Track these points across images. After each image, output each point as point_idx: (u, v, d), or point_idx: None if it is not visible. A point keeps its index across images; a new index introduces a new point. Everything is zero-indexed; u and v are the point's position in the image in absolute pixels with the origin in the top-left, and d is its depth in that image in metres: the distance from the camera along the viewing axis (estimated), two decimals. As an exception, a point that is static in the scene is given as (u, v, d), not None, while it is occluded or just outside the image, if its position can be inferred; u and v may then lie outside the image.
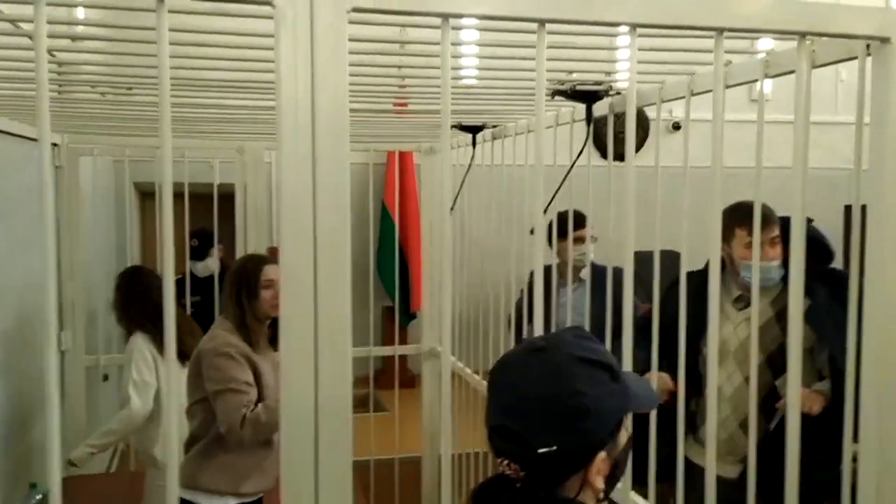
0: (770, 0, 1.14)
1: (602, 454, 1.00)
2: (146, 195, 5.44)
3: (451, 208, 3.66)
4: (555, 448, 0.96)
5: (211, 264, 4.30)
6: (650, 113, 4.75)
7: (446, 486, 1.38)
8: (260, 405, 2.40)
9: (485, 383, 3.27)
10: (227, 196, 4.13)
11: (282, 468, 1.10)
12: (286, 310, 1.07)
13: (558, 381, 0.98)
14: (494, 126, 3.01)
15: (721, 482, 1.67)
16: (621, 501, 1.89)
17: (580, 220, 2.95)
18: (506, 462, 0.99)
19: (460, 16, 1.06)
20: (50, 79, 2.31)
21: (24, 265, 2.99)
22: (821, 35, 1.24)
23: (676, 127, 5.66)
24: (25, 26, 1.72)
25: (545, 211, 2.46)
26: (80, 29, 2.31)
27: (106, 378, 4.05)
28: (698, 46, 1.64)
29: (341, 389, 1.08)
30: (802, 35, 1.22)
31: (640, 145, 5.60)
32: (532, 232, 2.43)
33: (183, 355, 2.62)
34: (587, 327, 2.24)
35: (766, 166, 1.70)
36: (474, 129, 3.06)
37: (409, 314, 5.59)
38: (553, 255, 2.96)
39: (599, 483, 1.01)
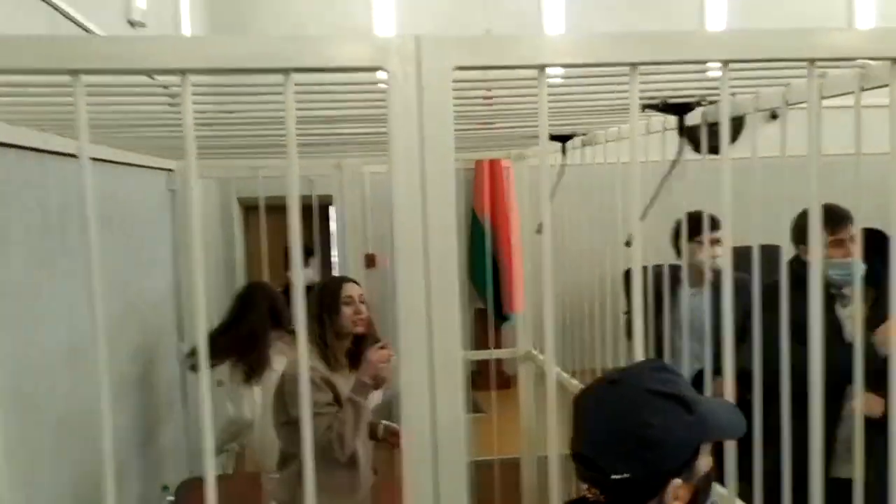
0: (860, 31, 1.16)
1: (677, 481, 1.04)
2: (249, 209, 5.73)
3: (539, 230, 3.70)
4: (627, 476, 1.02)
5: (311, 274, 4.49)
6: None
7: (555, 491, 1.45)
8: (335, 423, 2.51)
9: (578, 385, 3.34)
10: (320, 207, 4.32)
11: (405, 470, 1.21)
12: (403, 315, 1.17)
13: (629, 413, 1.04)
14: (584, 134, 3.04)
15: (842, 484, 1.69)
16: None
17: (716, 223, 2.88)
18: (587, 487, 1.06)
19: (556, 65, 1.13)
20: (174, 123, 2.50)
21: (149, 286, 3.25)
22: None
23: (774, 116, 5.50)
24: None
25: (642, 218, 2.46)
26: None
27: (220, 384, 4.32)
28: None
29: (454, 394, 1.18)
30: (893, 60, 1.22)
31: (735, 136, 5.49)
32: (628, 244, 2.47)
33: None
34: (706, 332, 2.25)
35: (868, 153, 1.68)
36: (563, 138, 3.10)
37: (501, 316, 5.67)
38: (683, 256, 2.92)
39: None
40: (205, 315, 1.23)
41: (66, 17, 2.44)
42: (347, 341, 2.69)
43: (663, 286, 2.60)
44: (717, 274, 2.46)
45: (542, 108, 1.19)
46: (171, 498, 3.03)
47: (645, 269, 2.37)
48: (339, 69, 1.11)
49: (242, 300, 3.29)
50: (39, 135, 2.15)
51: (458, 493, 1.20)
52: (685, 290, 2.66)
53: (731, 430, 1.13)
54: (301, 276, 1.28)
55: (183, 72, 1.07)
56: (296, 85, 1.59)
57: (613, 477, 1.03)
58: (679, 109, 2.11)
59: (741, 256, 1.89)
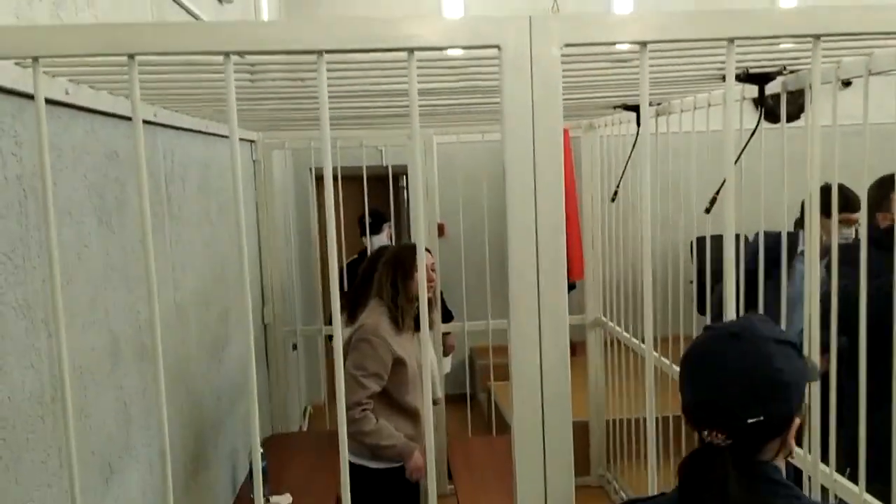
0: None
1: (797, 420, 1.17)
2: (321, 178, 5.89)
3: (613, 198, 3.76)
4: (762, 418, 1.12)
5: (385, 239, 4.64)
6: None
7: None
8: (374, 423, 2.79)
9: (663, 361, 3.41)
10: (382, 178, 4.46)
11: (514, 425, 1.33)
12: (514, 276, 1.28)
13: (761, 361, 1.13)
14: (658, 104, 3.08)
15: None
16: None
17: (853, 203, 2.82)
18: (712, 432, 1.14)
19: (658, 41, 1.21)
20: (253, 97, 2.64)
21: (237, 250, 3.42)
22: None
23: (846, 84, 5.39)
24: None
25: (716, 197, 2.50)
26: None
27: (295, 348, 4.52)
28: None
29: (561, 348, 1.29)
30: None
31: (802, 108, 5.39)
32: (707, 210, 2.52)
33: None
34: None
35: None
36: (638, 108, 3.14)
37: (567, 285, 5.72)
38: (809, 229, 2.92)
39: (793, 443, 1.18)
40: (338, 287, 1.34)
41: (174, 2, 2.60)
42: (415, 306, 2.87)
43: (776, 254, 2.59)
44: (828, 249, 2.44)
45: (644, 82, 1.26)
46: (261, 449, 3.22)
47: (737, 237, 2.40)
48: (460, 47, 1.20)
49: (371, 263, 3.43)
50: (149, 107, 2.31)
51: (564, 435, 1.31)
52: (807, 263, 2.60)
53: (814, 374, 1.25)
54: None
55: (320, 52, 1.18)
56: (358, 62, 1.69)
57: (749, 421, 1.12)
58: (760, 79, 2.14)
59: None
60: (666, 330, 3.52)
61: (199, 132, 2.96)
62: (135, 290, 2.09)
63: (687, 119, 2.92)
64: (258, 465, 1.57)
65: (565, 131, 5.09)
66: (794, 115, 2.45)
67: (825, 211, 2.68)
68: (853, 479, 2.06)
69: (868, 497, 1.95)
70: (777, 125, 2.33)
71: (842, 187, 2.32)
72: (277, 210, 4.34)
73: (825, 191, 2.44)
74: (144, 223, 1.30)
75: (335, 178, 4.22)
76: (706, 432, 1.16)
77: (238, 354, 3.40)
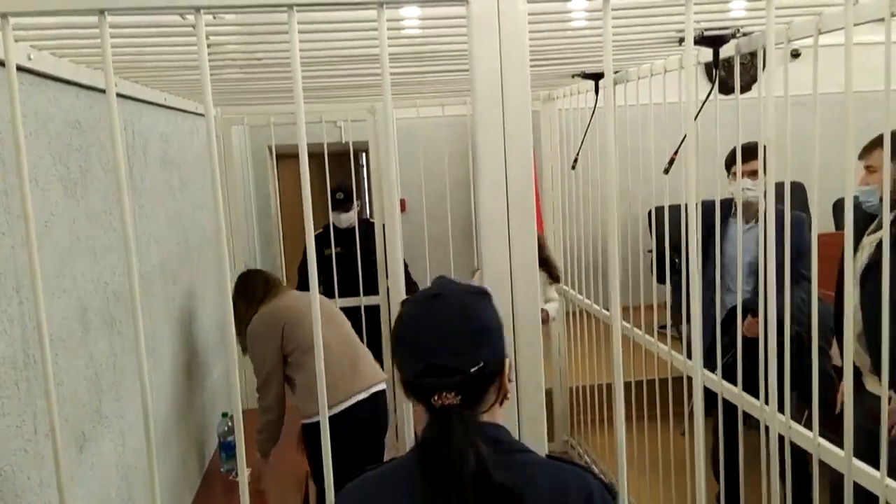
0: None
1: (508, 360, 1.24)
2: (279, 157, 5.86)
3: (574, 165, 3.83)
4: (482, 364, 1.16)
5: (353, 216, 4.64)
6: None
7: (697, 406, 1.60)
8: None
9: (624, 325, 3.50)
10: (342, 155, 4.46)
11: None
12: (485, 244, 1.31)
13: (466, 313, 1.18)
14: (616, 72, 3.14)
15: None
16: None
17: (749, 152, 2.85)
18: (442, 395, 1.16)
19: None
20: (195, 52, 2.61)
21: (200, 227, 3.40)
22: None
23: (795, 55, 5.54)
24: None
25: (674, 157, 2.58)
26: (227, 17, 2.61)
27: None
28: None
29: (532, 308, 1.33)
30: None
31: (755, 77, 5.54)
32: (666, 171, 2.60)
33: None
34: (754, 268, 2.38)
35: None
36: (596, 77, 3.20)
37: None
38: (727, 189, 3.02)
39: (507, 386, 1.24)
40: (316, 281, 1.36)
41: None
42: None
43: (714, 221, 2.65)
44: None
45: (607, 40, 1.31)
46: (230, 423, 3.24)
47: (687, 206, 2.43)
48: (429, 3, 1.23)
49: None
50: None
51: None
52: (739, 225, 2.67)
53: None
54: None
55: (290, 6, 1.19)
56: (323, 23, 1.71)
57: (473, 370, 1.15)
58: (715, 42, 2.21)
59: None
60: (626, 299, 3.61)
61: (160, 105, 2.93)
62: (101, 261, 2.08)
63: (644, 91, 2.97)
64: (240, 428, 1.60)
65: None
66: (745, 88, 2.53)
67: (727, 167, 2.79)
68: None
69: (822, 441, 2.05)
70: (730, 96, 2.41)
71: (749, 145, 2.41)
72: (238, 186, 4.31)
73: (738, 149, 2.55)
74: (121, 190, 1.30)
75: (296, 157, 4.22)
76: (436, 397, 1.16)
77: (205, 330, 3.39)
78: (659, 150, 2.90)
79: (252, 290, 3.27)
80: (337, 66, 2.68)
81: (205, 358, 3.38)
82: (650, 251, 4.94)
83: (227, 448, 3.17)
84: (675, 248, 3.40)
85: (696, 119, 2.34)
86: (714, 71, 2.29)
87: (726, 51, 2.30)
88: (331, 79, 3.07)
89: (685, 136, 2.37)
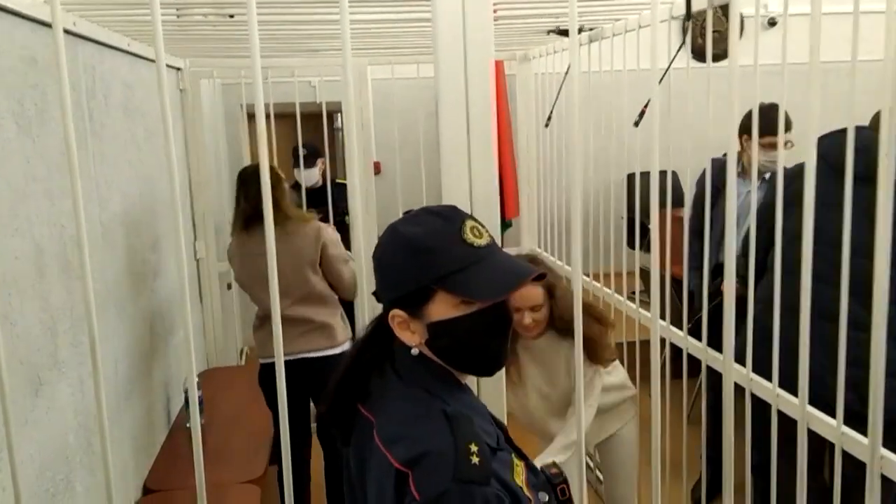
0: None
1: (397, 311, 1.19)
2: (252, 116, 5.76)
3: (547, 123, 3.80)
4: (373, 291, 1.23)
5: (317, 174, 4.57)
6: (746, 11, 4.71)
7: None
8: None
9: (594, 284, 3.49)
10: (316, 116, 4.39)
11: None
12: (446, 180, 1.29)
13: (378, 243, 1.21)
14: (591, 29, 3.10)
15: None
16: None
17: (769, 124, 2.89)
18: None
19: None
20: (168, 2, 2.55)
21: (166, 182, 3.33)
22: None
23: (772, 23, 5.54)
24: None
25: (644, 109, 2.56)
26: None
27: (229, 287, 4.46)
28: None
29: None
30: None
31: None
32: (636, 124, 2.58)
33: None
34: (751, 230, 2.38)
35: (864, 59, 1.75)
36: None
37: (504, 223, 5.79)
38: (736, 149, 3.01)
39: (408, 337, 1.20)
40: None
41: None
42: None
43: (722, 180, 2.66)
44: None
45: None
46: (197, 379, 3.21)
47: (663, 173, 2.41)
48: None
49: None
50: (69, 15, 2.21)
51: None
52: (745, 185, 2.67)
53: (475, 292, 1.15)
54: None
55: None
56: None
57: (373, 292, 1.24)
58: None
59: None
60: (598, 265, 3.61)
61: (124, 51, 2.85)
62: (58, 204, 2.03)
63: (619, 55, 2.93)
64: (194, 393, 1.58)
65: (499, 63, 5.10)
66: (723, 56, 2.48)
67: (747, 131, 2.78)
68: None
69: (781, 391, 2.06)
70: (705, 64, 2.39)
71: (770, 109, 2.39)
72: (208, 144, 4.23)
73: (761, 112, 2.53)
74: (67, 130, 1.26)
75: (266, 116, 4.14)
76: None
77: (170, 285, 3.34)
78: (635, 113, 2.87)
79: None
80: (305, 7, 2.60)
81: (170, 314, 3.34)
82: (623, 217, 4.95)
83: (193, 403, 3.14)
84: (647, 214, 3.40)
85: (660, 82, 2.33)
86: (686, 23, 2.26)
87: (699, 3, 2.27)
88: (302, 30, 3.00)
89: (654, 92, 2.35)
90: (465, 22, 1.22)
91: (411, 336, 1.19)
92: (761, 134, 2.83)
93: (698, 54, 2.37)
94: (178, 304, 3.48)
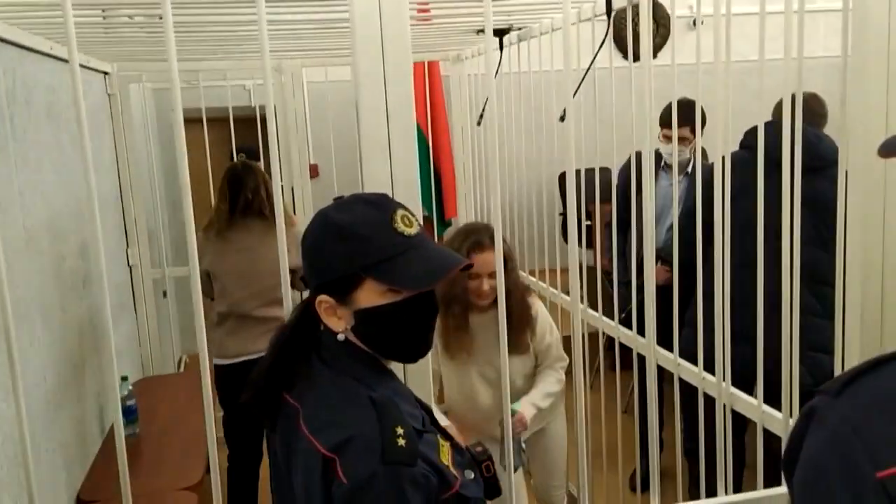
0: None
1: (324, 297, 1.20)
2: (188, 121, 5.66)
3: (479, 121, 3.84)
4: (301, 276, 1.24)
5: (253, 177, 4.52)
6: (670, 11, 4.83)
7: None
8: None
9: (531, 279, 3.54)
10: (251, 120, 4.35)
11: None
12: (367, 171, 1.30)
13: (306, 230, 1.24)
14: (520, 28, 3.15)
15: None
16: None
17: (668, 117, 2.94)
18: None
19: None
20: (93, 3, 2.51)
21: (97, 185, 3.26)
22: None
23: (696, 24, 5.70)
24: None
25: (563, 113, 2.61)
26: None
27: (165, 295, 4.38)
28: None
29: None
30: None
31: (661, 44, 5.67)
32: (562, 119, 2.63)
33: None
34: (674, 220, 2.45)
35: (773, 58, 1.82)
36: (500, 32, 3.21)
37: (443, 223, 5.83)
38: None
39: (334, 323, 1.21)
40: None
41: None
42: None
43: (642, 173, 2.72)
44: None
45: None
46: (131, 387, 3.15)
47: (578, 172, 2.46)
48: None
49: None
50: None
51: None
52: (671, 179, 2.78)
53: (403, 281, 1.16)
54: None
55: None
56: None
57: (301, 277, 1.24)
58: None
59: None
60: (534, 262, 3.65)
61: (47, 55, 2.78)
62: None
63: (548, 56, 2.98)
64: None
65: (434, 64, 5.13)
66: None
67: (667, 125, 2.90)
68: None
69: (707, 375, 2.14)
70: (636, 64, 2.45)
71: (682, 102, 2.46)
72: (140, 149, 4.15)
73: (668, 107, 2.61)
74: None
75: (199, 121, 4.08)
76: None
77: (99, 295, 3.27)
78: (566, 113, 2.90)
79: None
80: (235, 8, 2.58)
81: (103, 322, 3.26)
82: (561, 214, 5.03)
83: (126, 412, 3.08)
84: (586, 211, 3.49)
85: (581, 82, 2.39)
86: (608, 21, 2.33)
87: (621, 2, 2.34)
88: (232, 27, 2.97)
89: (577, 88, 2.42)
90: (381, 20, 1.23)
91: (338, 322, 1.20)
92: (661, 126, 2.98)
93: (625, 51, 2.44)
94: (111, 309, 3.40)
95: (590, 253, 4.55)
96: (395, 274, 1.16)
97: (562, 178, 4.77)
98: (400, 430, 1.09)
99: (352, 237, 1.16)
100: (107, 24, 2.84)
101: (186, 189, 1.37)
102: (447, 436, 1.27)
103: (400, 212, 1.19)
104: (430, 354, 1.52)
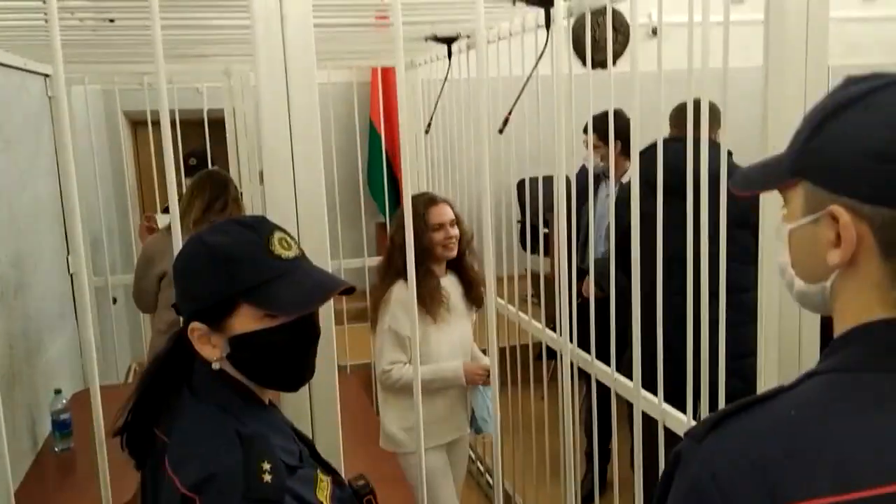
0: None
1: (197, 324, 1.14)
2: (137, 123, 5.56)
3: (427, 129, 3.80)
4: (172, 304, 1.20)
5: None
6: (629, 18, 4.83)
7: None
8: None
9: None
10: (216, 121, 4.27)
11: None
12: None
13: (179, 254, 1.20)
14: (468, 36, 3.12)
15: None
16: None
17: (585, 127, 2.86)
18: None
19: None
20: (35, 7, 2.45)
21: (30, 194, 3.17)
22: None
23: (655, 32, 5.73)
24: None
25: (508, 116, 2.58)
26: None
27: (115, 301, 4.28)
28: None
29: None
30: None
31: (620, 51, 5.66)
32: (501, 131, 2.60)
33: None
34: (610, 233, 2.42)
35: (737, 66, 1.79)
36: (449, 40, 3.17)
37: (401, 228, 5.77)
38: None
39: (208, 352, 1.15)
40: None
41: None
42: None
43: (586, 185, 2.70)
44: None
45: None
46: (66, 400, 3.05)
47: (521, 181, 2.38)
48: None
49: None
50: None
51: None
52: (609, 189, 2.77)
53: (279, 305, 1.13)
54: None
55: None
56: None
57: (172, 305, 1.20)
58: (546, 2, 2.21)
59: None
60: (499, 269, 3.60)
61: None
62: None
63: (497, 61, 2.94)
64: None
65: (388, 70, 5.07)
66: (605, 63, 2.51)
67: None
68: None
69: (667, 407, 2.09)
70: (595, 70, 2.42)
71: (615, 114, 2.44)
72: (84, 153, 4.04)
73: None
74: None
75: (147, 123, 3.98)
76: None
77: (38, 302, 3.17)
78: (518, 121, 2.85)
79: None
80: (188, 15, 2.52)
81: (38, 332, 3.17)
82: (519, 221, 5.02)
83: (60, 427, 2.98)
84: (544, 219, 3.47)
85: (522, 89, 2.36)
86: (547, 32, 2.30)
87: (558, 13, 2.31)
88: (183, 31, 2.90)
89: (516, 100, 2.39)
90: (283, 26, 1.18)
91: (212, 350, 1.15)
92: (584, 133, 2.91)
93: (583, 57, 2.40)
94: (45, 321, 3.31)
95: (547, 261, 4.53)
96: (271, 298, 1.11)
97: (520, 185, 4.76)
98: (266, 465, 1.05)
99: (226, 260, 1.11)
100: (48, 25, 2.75)
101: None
102: (329, 469, 1.23)
103: (277, 234, 1.15)
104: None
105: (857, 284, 0.72)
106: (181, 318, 1.19)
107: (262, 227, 1.15)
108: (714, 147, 1.75)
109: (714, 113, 2.36)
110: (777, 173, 0.79)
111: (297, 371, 1.18)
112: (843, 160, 0.70)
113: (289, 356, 1.16)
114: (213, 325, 1.14)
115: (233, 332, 1.13)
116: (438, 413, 2.62)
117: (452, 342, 2.64)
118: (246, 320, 1.12)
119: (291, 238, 1.17)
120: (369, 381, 4.02)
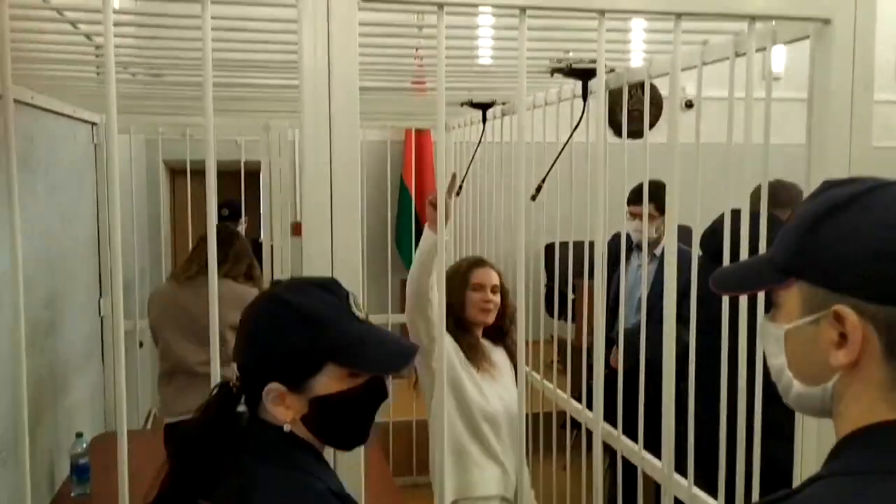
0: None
1: (275, 385, 1.12)
2: (175, 172, 5.68)
3: (458, 191, 3.83)
4: (241, 362, 1.16)
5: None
6: (664, 91, 4.89)
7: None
8: None
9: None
10: (252, 173, 4.35)
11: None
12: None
13: (251, 310, 1.17)
14: (504, 103, 3.18)
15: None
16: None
17: (634, 196, 2.93)
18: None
19: (454, 4, 1.25)
20: (88, 61, 2.55)
21: (70, 236, 3.24)
22: (768, 18, 1.41)
23: (689, 105, 5.78)
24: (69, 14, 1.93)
25: (542, 184, 2.59)
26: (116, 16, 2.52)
27: (141, 345, 4.31)
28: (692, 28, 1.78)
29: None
30: (752, 18, 1.39)
31: (653, 123, 5.71)
32: (533, 198, 2.62)
33: None
34: (642, 304, 2.40)
35: (776, 143, 1.82)
36: (484, 106, 3.23)
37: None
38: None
39: (281, 413, 1.13)
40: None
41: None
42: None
43: (620, 254, 2.69)
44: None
45: (441, 46, 1.30)
46: (86, 444, 3.05)
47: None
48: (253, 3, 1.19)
49: None
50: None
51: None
52: (641, 260, 2.79)
53: (371, 365, 1.14)
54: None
55: None
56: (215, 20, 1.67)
57: (235, 364, 1.17)
58: (583, 74, 2.25)
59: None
60: (525, 334, 3.56)
61: (23, 103, 2.78)
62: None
63: (532, 128, 2.98)
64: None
65: (427, 132, 5.16)
66: (638, 133, 2.54)
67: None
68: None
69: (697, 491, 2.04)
70: (628, 140, 2.45)
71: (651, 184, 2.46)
72: (123, 198, 4.12)
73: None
74: None
75: (185, 172, 4.08)
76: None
77: (67, 344, 3.21)
78: (550, 186, 2.87)
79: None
80: (233, 73, 2.61)
81: (64, 374, 3.19)
82: (546, 285, 5.00)
83: (79, 471, 2.97)
84: (572, 285, 3.46)
85: (558, 156, 2.39)
86: (584, 103, 2.34)
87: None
88: (224, 88, 2.99)
89: (551, 167, 2.42)
90: (330, 90, 1.22)
91: (285, 412, 1.13)
92: (628, 203, 2.96)
93: (620, 130, 2.43)
94: (73, 362, 3.34)
95: (573, 328, 4.50)
96: (362, 358, 1.13)
97: (548, 249, 4.77)
98: None
99: (315, 321, 1.12)
100: (100, 78, 2.85)
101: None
102: None
103: (351, 297, 1.18)
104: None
105: (860, 385, 0.72)
106: (235, 377, 1.18)
107: (339, 289, 1.17)
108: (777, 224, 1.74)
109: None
110: (765, 274, 0.78)
111: (363, 430, 1.19)
112: (846, 259, 0.70)
113: (364, 415, 1.17)
114: (293, 386, 1.13)
115: (314, 394, 1.12)
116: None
117: (500, 394, 2.52)
118: (329, 381, 1.13)
119: (358, 300, 1.20)
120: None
